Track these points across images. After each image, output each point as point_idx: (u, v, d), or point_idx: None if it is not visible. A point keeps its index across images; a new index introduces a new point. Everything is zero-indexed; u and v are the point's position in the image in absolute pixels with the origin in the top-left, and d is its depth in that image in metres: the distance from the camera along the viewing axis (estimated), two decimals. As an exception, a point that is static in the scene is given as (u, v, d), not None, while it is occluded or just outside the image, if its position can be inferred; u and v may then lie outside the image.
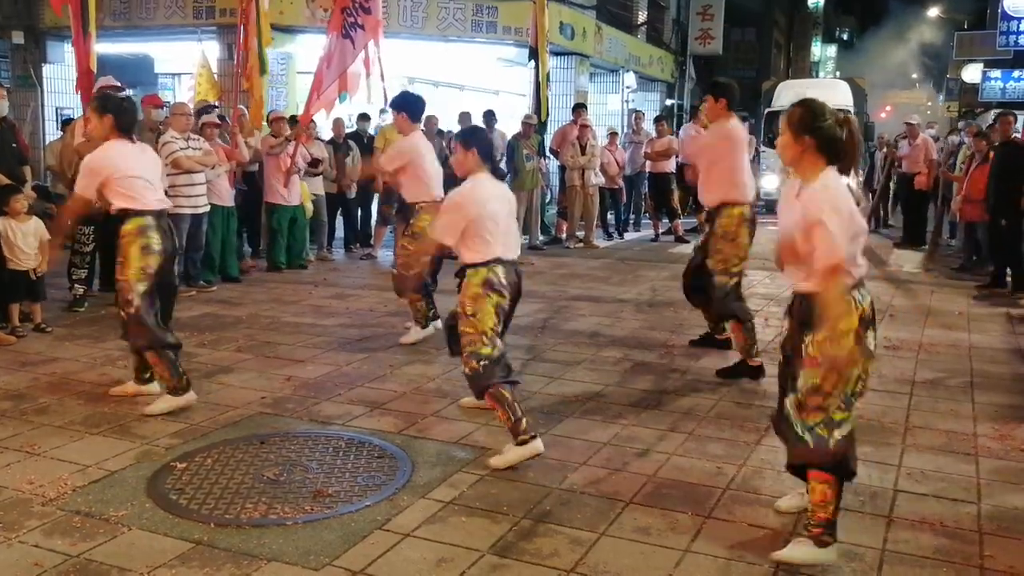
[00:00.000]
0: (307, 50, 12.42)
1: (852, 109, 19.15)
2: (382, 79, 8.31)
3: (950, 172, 11.36)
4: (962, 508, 3.55)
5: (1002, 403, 5.01)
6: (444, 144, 11.96)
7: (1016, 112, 9.99)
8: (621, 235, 13.72)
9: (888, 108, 44.98)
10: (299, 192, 9.45)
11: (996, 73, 23.44)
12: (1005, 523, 3.42)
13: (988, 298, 8.44)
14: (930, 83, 49.24)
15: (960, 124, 16.81)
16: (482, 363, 3.91)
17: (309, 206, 9.86)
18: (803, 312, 3.08)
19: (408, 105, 6.23)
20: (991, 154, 9.16)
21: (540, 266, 10.23)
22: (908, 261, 11.04)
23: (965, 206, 9.69)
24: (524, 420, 3.92)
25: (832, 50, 51.68)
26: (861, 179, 19.76)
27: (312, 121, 9.48)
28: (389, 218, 10.07)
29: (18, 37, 13.88)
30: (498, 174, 4.57)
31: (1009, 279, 8.76)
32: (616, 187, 13.27)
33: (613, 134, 13.51)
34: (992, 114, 12.88)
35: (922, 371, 5.69)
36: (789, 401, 3.11)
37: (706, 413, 4.73)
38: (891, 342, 6.47)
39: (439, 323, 6.04)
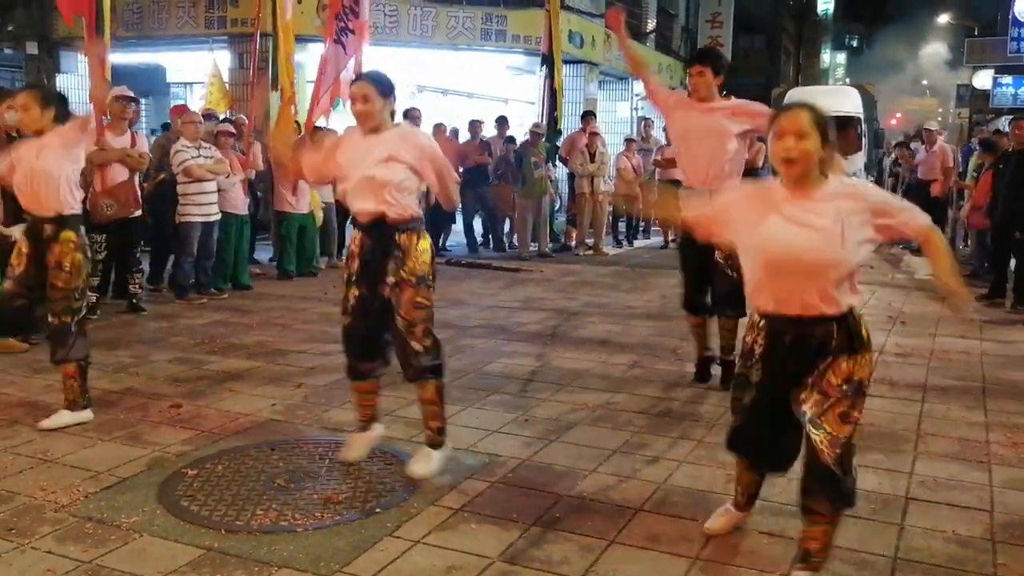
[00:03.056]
0: (317, 59, 12.48)
1: (862, 115, 19.05)
2: None
3: (960, 180, 11.31)
4: (975, 516, 3.52)
5: (1015, 411, 4.98)
6: (453, 150, 12.00)
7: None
8: (631, 242, 13.72)
9: (898, 115, 44.90)
10: (308, 200, 9.48)
11: (1007, 79, 23.37)
12: (1018, 531, 3.39)
13: (995, 307, 8.28)
14: (941, 90, 49.11)
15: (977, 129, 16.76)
16: None
17: (319, 214, 9.88)
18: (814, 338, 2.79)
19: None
20: (996, 160, 8.99)
21: (549, 273, 10.24)
22: (921, 267, 10.99)
23: (973, 214, 9.60)
24: None
25: (842, 57, 51.66)
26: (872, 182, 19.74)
27: (318, 128, 9.51)
28: None
29: (32, 48, 14.00)
30: None
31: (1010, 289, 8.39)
32: (633, 194, 13.28)
33: (630, 140, 13.53)
34: (1004, 120, 12.80)
35: (934, 378, 5.66)
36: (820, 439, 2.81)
37: (716, 420, 4.71)
38: (902, 348, 6.45)
39: None
